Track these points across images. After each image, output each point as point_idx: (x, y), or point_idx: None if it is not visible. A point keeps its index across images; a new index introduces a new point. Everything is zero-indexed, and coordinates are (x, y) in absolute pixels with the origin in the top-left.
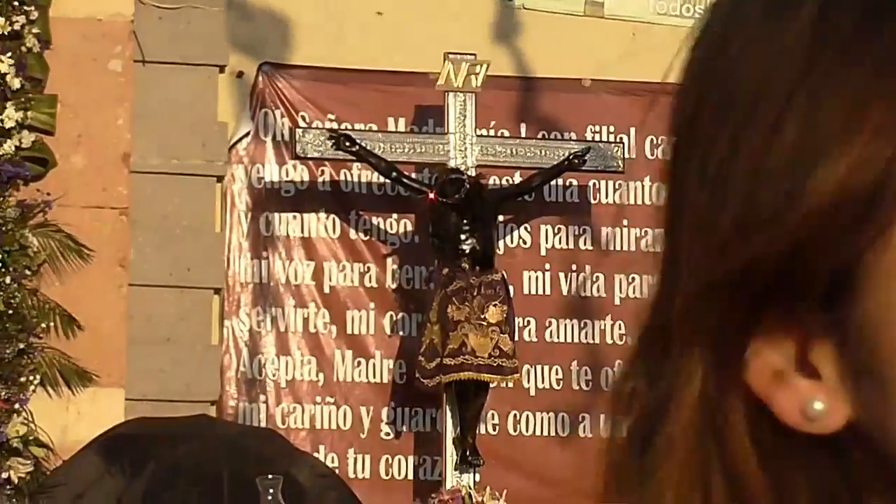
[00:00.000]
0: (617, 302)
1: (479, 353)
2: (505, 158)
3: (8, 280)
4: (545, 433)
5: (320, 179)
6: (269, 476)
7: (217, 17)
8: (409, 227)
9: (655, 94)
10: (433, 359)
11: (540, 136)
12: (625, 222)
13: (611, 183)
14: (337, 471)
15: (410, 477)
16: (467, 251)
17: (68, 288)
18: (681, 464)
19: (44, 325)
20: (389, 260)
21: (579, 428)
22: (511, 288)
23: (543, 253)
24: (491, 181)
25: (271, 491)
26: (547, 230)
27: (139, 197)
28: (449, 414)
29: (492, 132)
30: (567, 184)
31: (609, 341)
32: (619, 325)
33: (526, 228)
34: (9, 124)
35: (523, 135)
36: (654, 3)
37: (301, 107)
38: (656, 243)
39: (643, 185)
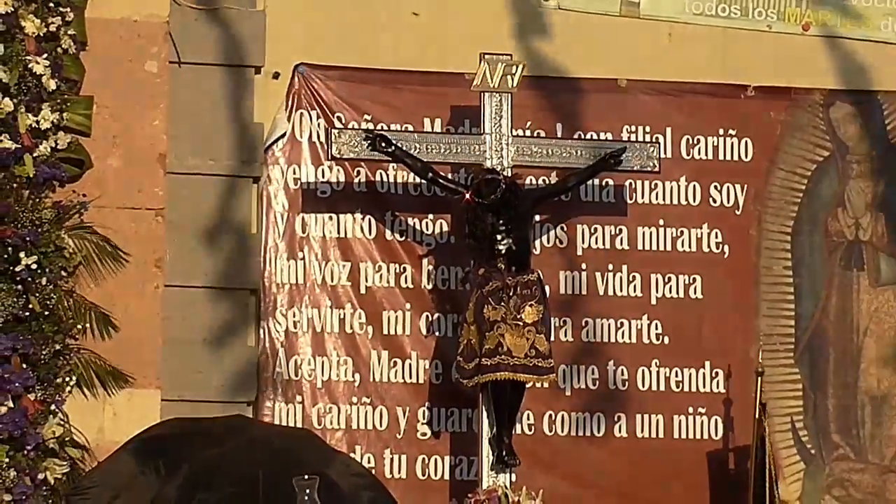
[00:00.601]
0: (654, 301)
1: (515, 353)
2: (541, 159)
3: (44, 281)
4: (581, 433)
5: (356, 180)
6: (305, 476)
7: (253, 17)
8: (445, 228)
9: (691, 93)
10: (472, 359)
11: (576, 136)
12: (661, 222)
13: (647, 183)
14: (373, 471)
15: (447, 477)
16: (503, 251)
17: (104, 289)
18: None
19: (80, 327)
20: (425, 260)
21: (615, 428)
22: (547, 288)
23: (580, 253)
24: (527, 181)
25: (307, 491)
26: (583, 230)
27: (175, 198)
28: (485, 414)
29: (528, 132)
30: (603, 184)
31: (646, 341)
32: (656, 324)
33: (562, 228)
34: (45, 126)
35: (559, 135)
36: (690, 3)
37: (337, 108)
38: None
39: (679, 185)
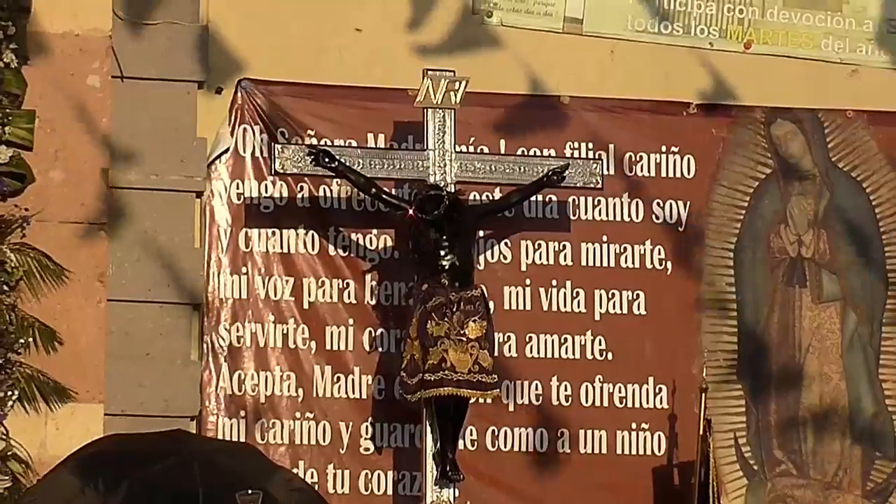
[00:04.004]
0: (597, 317)
1: (458, 368)
2: (484, 175)
3: None
4: (524, 448)
5: (299, 195)
6: (249, 491)
7: (196, 32)
8: (389, 243)
9: (634, 110)
10: (415, 374)
11: (519, 152)
12: (604, 238)
13: (590, 199)
14: (316, 486)
15: (390, 492)
16: (447, 267)
17: (46, 303)
18: None
19: (22, 341)
20: (368, 276)
21: (558, 444)
22: (491, 303)
23: (523, 268)
24: (470, 197)
25: None
26: (527, 245)
27: (118, 212)
28: (429, 429)
29: (471, 148)
30: (547, 200)
31: (589, 357)
32: (600, 340)
33: (506, 244)
34: None
35: (502, 151)
36: (633, 20)
37: (280, 123)
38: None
39: (622, 202)
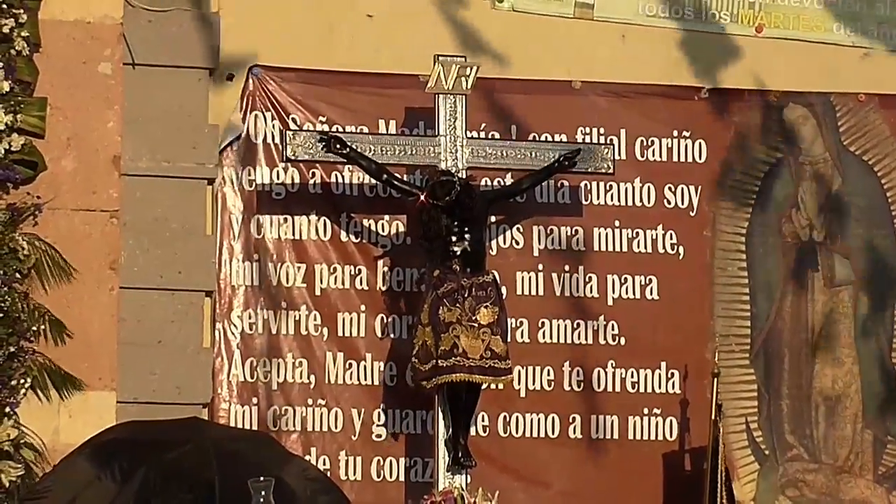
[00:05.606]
0: (609, 302)
1: (470, 354)
2: (495, 160)
3: None
4: (535, 434)
5: (311, 182)
6: (261, 478)
7: (207, 19)
8: (401, 229)
9: (645, 95)
10: (427, 361)
11: (530, 137)
12: (616, 223)
13: (602, 184)
14: (328, 473)
15: (402, 479)
16: (458, 253)
17: (59, 291)
18: None
19: (34, 329)
20: (380, 262)
21: (569, 429)
22: (503, 289)
23: (536, 254)
24: (481, 183)
25: (263, 493)
26: (539, 231)
27: (130, 200)
28: (441, 415)
29: (482, 134)
30: (559, 185)
31: (602, 342)
32: (612, 325)
33: (518, 229)
34: None
35: (513, 136)
36: (643, 5)
37: (291, 109)
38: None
39: (633, 186)
